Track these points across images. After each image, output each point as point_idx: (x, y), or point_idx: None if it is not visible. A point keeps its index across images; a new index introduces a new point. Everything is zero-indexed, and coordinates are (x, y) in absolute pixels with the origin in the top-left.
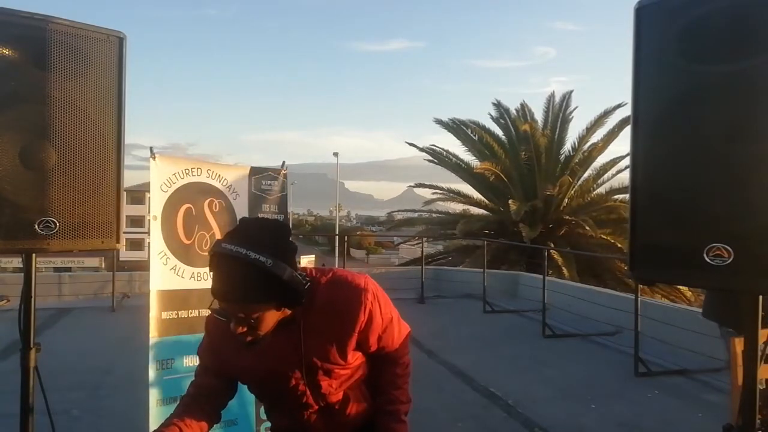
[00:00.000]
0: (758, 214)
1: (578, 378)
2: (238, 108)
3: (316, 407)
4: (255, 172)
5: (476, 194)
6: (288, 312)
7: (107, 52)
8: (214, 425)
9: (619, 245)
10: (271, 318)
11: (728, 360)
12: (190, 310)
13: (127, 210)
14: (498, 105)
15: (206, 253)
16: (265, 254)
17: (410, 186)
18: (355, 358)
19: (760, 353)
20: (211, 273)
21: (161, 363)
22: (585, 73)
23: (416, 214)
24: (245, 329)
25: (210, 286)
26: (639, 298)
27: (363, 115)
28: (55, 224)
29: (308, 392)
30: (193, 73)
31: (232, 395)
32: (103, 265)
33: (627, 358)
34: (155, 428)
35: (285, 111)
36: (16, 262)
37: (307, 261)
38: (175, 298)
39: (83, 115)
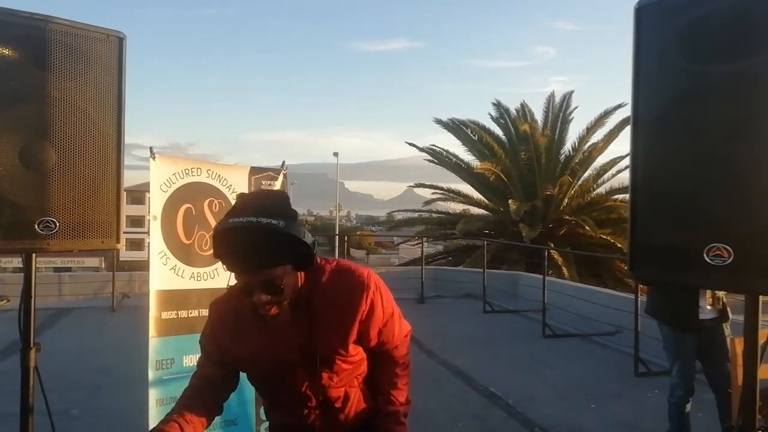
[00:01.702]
0: (758, 214)
1: (578, 378)
2: (238, 108)
3: (315, 402)
4: (255, 172)
5: (476, 194)
6: (301, 279)
7: (107, 52)
8: (215, 420)
9: (619, 245)
10: (292, 281)
11: (665, 345)
12: (189, 310)
13: (127, 210)
14: (498, 105)
15: (206, 254)
16: (275, 217)
17: (410, 186)
18: (356, 351)
19: (760, 353)
20: (224, 251)
21: (161, 363)
22: (585, 73)
23: (416, 214)
24: (270, 297)
25: (209, 286)
26: (639, 298)
27: (363, 115)
28: (55, 224)
29: (308, 383)
30: (194, 73)
31: (234, 386)
32: (103, 265)
33: (627, 358)
34: (154, 426)
35: (285, 111)
36: (16, 262)
37: None
38: (174, 298)
39: (83, 115)
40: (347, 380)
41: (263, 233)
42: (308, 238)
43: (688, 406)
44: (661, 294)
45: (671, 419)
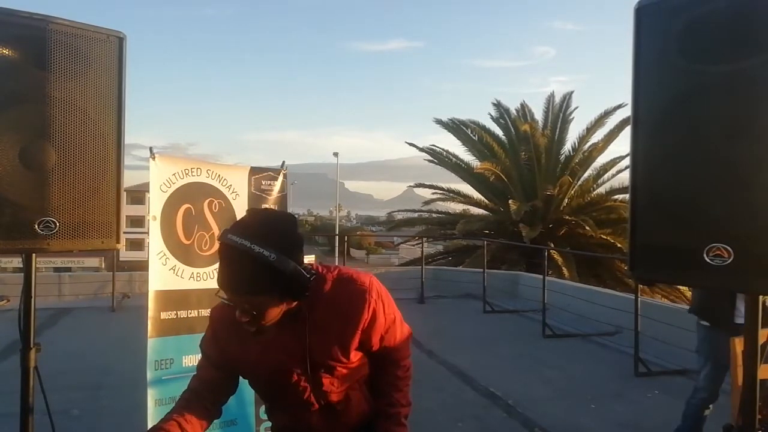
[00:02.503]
0: (758, 214)
1: (578, 378)
2: (238, 108)
3: (317, 406)
4: (255, 172)
5: (476, 194)
6: (292, 304)
7: (107, 52)
8: (214, 421)
9: (619, 245)
10: (274, 310)
11: (698, 347)
12: (189, 311)
13: (127, 210)
14: (498, 105)
15: (206, 254)
16: (269, 248)
17: (410, 186)
18: (357, 357)
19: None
20: (219, 261)
21: (160, 363)
22: (585, 73)
23: (416, 214)
24: (249, 319)
25: (209, 286)
26: (639, 298)
27: (363, 115)
28: (55, 224)
29: (309, 389)
30: (193, 73)
31: (233, 390)
32: (103, 265)
33: (627, 358)
34: (153, 425)
35: (285, 111)
36: (16, 262)
37: (306, 261)
38: (174, 299)
39: (83, 115)
40: (348, 384)
41: (252, 261)
42: (301, 274)
43: (707, 411)
44: (702, 292)
45: (685, 418)
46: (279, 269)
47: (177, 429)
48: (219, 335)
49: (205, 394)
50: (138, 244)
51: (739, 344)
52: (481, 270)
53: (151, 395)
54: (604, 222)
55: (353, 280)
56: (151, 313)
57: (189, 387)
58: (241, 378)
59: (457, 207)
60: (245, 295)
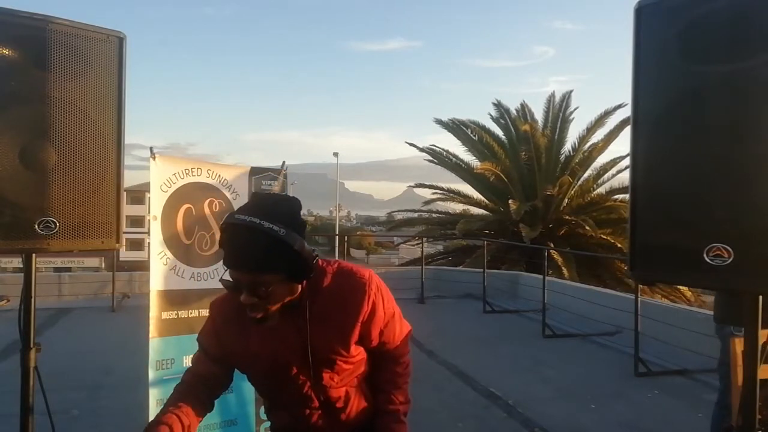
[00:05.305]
0: (758, 214)
1: (578, 378)
2: (238, 108)
3: (317, 402)
4: (255, 172)
5: (476, 194)
6: (297, 289)
7: (107, 52)
8: (215, 420)
9: (619, 245)
10: (281, 290)
11: (721, 356)
12: (190, 311)
13: (127, 210)
14: (498, 105)
15: (206, 254)
16: (278, 224)
17: (410, 186)
18: (357, 352)
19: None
20: (223, 245)
21: (161, 363)
22: (585, 73)
23: (416, 214)
24: (255, 300)
25: (209, 286)
26: (639, 298)
27: (363, 115)
28: (55, 224)
29: (309, 384)
30: (193, 73)
31: (227, 386)
32: (103, 265)
33: (627, 358)
34: (152, 419)
35: (285, 111)
36: (16, 262)
37: None
38: (174, 299)
39: (83, 115)
40: (348, 380)
41: (261, 236)
42: (307, 252)
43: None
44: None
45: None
46: (288, 243)
47: (176, 421)
48: (219, 328)
49: (200, 387)
50: (138, 244)
51: (739, 344)
52: (481, 270)
53: (153, 395)
54: (604, 222)
55: (353, 273)
56: (152, 313)
57: (183, 380)
58: (242, 378)
59: (457, 207)
60: (255, 272)
